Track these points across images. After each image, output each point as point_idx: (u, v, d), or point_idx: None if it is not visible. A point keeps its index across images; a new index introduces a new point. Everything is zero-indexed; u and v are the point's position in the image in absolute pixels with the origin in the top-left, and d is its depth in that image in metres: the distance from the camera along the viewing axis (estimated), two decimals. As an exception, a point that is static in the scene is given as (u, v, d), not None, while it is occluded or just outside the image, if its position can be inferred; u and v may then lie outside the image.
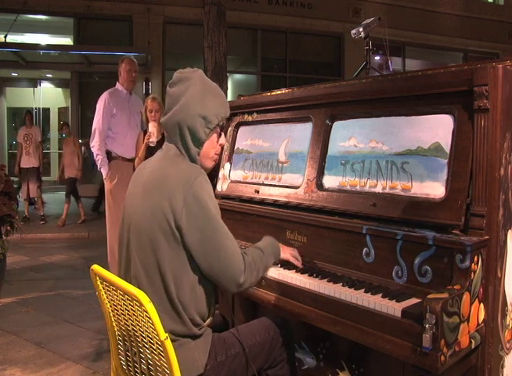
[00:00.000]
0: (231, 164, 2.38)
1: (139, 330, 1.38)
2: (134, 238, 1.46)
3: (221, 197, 2.37)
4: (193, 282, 1.44)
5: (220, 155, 3.51)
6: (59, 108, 13.64)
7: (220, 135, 1.58)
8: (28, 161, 7.57)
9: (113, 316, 1.51)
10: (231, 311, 2.37)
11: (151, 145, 3.31)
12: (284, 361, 1.65)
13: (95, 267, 1.48)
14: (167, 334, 1.29)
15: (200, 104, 1.48)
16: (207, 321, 1.53)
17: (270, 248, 1.64)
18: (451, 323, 1.23)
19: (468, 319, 1.30)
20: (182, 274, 1.41)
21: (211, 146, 1.55)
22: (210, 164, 1.58)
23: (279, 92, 2.24)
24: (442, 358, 1.19)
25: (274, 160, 2.13)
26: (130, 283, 1.39)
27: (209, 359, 1.46)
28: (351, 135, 1.80)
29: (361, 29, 2.86)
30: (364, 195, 1.68)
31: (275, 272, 1.73)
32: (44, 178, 8.68)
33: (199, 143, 1.50)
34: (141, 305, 1.29)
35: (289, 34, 12.38)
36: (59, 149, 13.31)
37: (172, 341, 1.32)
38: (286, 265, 1.77)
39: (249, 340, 1.56)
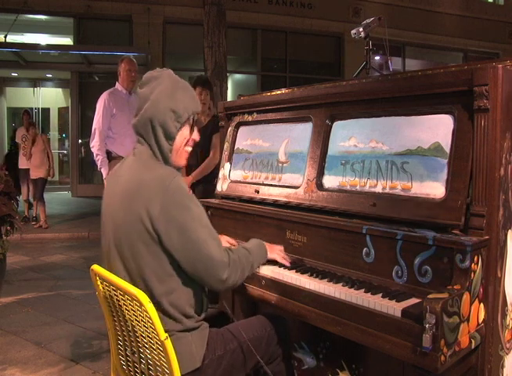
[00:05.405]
0: (231, 164, 2.38)
1: (139, 330, 1.38)
2: (114, 248, 1.46)
3: (221, 196, 2.37)
4: (180, 282, 1.44)
5: (199, 152, 3.42)
6: (59, 108, 13.64)
7: (192, 130, 1.57)
8: (27, 165, 7.47)
9: (113, 316, 1.51)
10: (231, 311, 2.37)
11: None
12: (280, 357, 1.66)
13: (95, 267, 1.48)
14: (167, 334, 1.29)
15: (170, 98, 1.49)
16: (203, 314, 1.53)
17: (257, 249, 1.66)
18: (451, 323, 1.23)
19: (468, 319, 1.30)
20: (167, 277, 1.41)
21: (182, 141, 1.54)
22: (182, 161, 1.58)
23: (279, 92, 2.24)
24: (442, 358, 1.19)
25: (274, 160, 2.13)
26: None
27: (207, 353, 1.47)
28: (351, 135, 1.80)
29: (361, 29, 2.85)
30: (364, 195, 1.68)
31: (276, 272, 1.73)
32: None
33: (170, 138, 1.50)
34: (141, 305, 1.29)
35: (289, 34, 12.39)
36: (59, 149, 13.33)
37: (169, 335, 1.33)
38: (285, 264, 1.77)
39: (247, 335, 1.57)
